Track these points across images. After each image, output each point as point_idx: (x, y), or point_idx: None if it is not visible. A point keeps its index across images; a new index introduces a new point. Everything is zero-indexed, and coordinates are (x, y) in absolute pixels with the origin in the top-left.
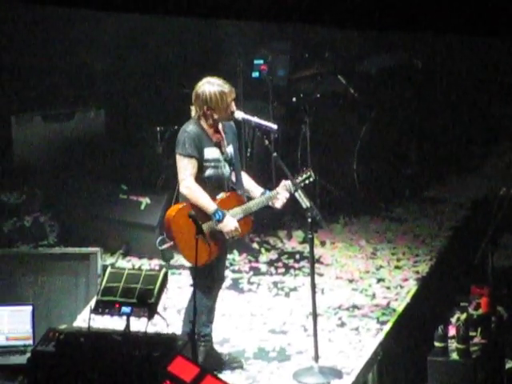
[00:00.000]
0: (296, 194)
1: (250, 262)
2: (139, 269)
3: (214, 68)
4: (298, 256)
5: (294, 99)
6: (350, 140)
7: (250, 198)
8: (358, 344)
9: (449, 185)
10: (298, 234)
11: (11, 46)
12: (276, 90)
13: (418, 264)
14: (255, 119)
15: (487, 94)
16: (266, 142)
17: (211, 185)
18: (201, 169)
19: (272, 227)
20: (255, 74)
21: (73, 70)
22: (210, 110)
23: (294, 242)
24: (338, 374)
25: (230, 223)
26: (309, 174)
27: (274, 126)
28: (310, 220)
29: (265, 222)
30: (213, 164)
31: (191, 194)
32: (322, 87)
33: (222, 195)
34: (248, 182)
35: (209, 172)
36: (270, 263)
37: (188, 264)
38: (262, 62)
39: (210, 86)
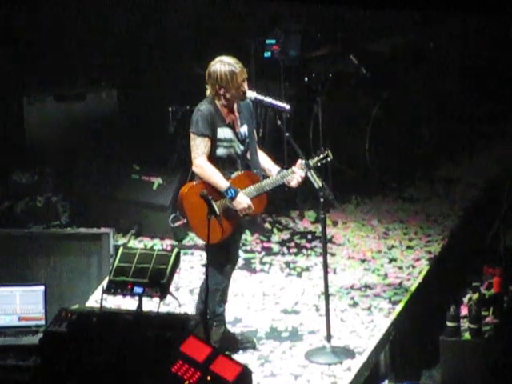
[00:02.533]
0: (308, 174)
1: (262, 242)
2: (151, 249)
3: (226, 48)
4: (310, 236)
5: (306, 79)
6: (361, 120)
7: (266, 177)
8: (370, 324)
9: (461, 164)
10: (310, 214)
11: (25, 27)
12: (288, 70)
13: (430, 244)
14: (267, 99)
15: (499, 74)
16: (279, 122)
17: (224, 164)
18: (214, 148)
19: (284, 207)
20: (267, 54)
21: (85, 49)
22: (222, 89)
23: (306, 222)
24: (350, 353)
25: (242, 200)
26: (326, 153)
27: (287, 106)
28: (322, 200)
29: (277, 203)
30: (225, 144)
31: (203, 172)
32: (334, 67)
33: (236, 174)
34: (265, 161)
35: (221, 151)
36: (282, 243)
37: (201, 242)
38: (274, 42)
39: (221, 65)
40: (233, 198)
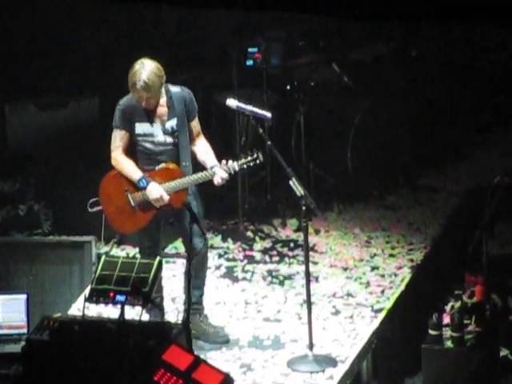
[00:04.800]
0: (290, 182)
1: (244, 250)
2: (133, 257)
3: (207, 56)
4: (292, 244)
5: (288, 87)
6: (344, 128)
7: (197, 171)
8: (352, 332)
9: (443, 173)
10: (292, 223)
11: (5, 34)
12: (270, 78)
13: (413, 252)
14: (249, 107)
15: (482, 83)
16: (260, 130)
17: (144, 157)
18: (134, 142)
19: (266, 215)
20: (249, 63)
21: (67, 58)
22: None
23: (288, 231)
24: (332, 362)
25: (154, 190)
26: (256, 156)
27: (268, 114)
28: (304, 208)
29: (259, 211)
30: (144, 138)
31: (117, 165)
32: (317, 75)
33: (160, 166)
34: (204, 155)
35: (142, 145)
36: (265, 251)
37: (183, 250)
38: (255, 50)
39: (134, 67)
40: (144, 188)
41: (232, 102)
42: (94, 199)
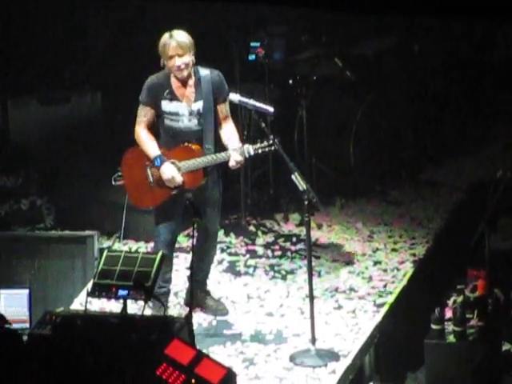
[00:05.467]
0: (292, 177)
1: (246, 244)
2: (136, 252)
3: (210, 50)
4: (294, 239)
5: (291, 82)
6: (346, 123)
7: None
8: (354, 326)
9: (445, 167)
10: (295, 217)
11: (7, 30)
12: (272, 72)
13: (415, 246)
14: (252, 102)
15: (485, 77)
16: (263, 124)
17: (168, 136)
18: (160, 119)
19: (268, 210)
20: (251, 57)
21: (70, 53)
22: (161, 58)
23: (290, 225)
24: (334, 356)
25: (167, 171)
26: (271, 142)
27: (271, 109)
28: (306, 203)
29: (261, 205)
30: (170, 117)
31: (138, 139)
32: (319, 70)
33: (180, 146)
34: (227, 139)
35: (166, 123)
36: (267, 246)
37: (185, 245)
38: (258, 44)
39: (164, 35)
40: (158, 167)
41: (234, 97)
42: (119, 173)
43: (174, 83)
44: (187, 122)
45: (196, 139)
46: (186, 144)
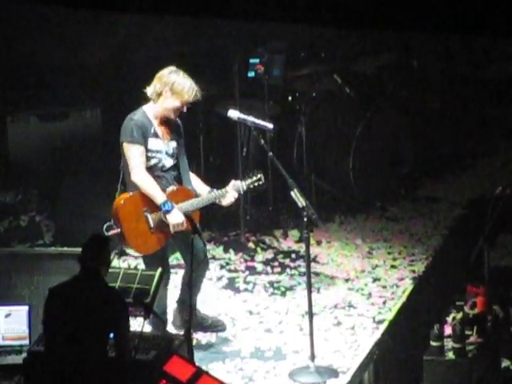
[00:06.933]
0: (292, 193)
1: (245, 261)
2: (135, 268)
3: (209, 67)
4: (293, 255)
5: (290, 98)
6: (345, 139)
7: (197, 196)
8: (353, 343)
9: (444, 184)
10: (294, 233)
11: (7, 46)
12: (272, 89)
13: (414, 263)
14: (251, 118)
15: (483, 93)
16: (262, 141)
17: (153, 175)
18: (145, 158)
19: (268, 226)
20: (251, 74)
21: (69, 69)
22: (171, 94)
23: (289, 241)
24: (333, 373)
25: (177, 216)
26: (259, 176)
27: (270, 125)
28: (305, 219)
29: (260, 222)
30: (155, 155)
31: (143, 183)
32: (318, 86)
33: (171, 188)
34: (195, 181)
35: (151, 162)
36: (266, 262)
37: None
38: (257, 61)
39: (183, 76)
40: (168, 212)
41: (233, 113)
42: (109, 223)
43: (153, 121)
44: (165, 161)
45: (175, 179)
46: (176, 186)
